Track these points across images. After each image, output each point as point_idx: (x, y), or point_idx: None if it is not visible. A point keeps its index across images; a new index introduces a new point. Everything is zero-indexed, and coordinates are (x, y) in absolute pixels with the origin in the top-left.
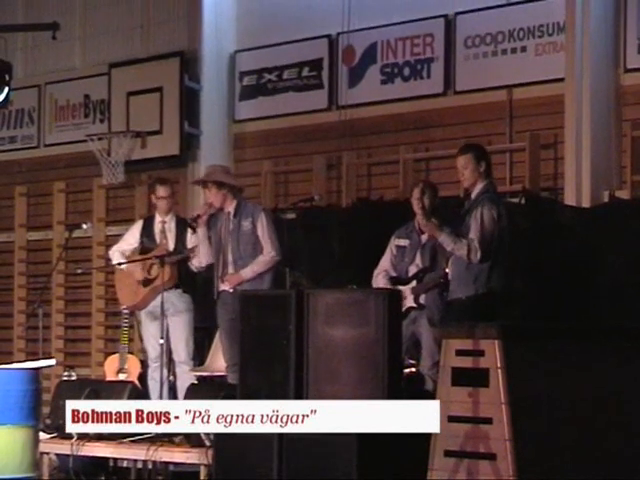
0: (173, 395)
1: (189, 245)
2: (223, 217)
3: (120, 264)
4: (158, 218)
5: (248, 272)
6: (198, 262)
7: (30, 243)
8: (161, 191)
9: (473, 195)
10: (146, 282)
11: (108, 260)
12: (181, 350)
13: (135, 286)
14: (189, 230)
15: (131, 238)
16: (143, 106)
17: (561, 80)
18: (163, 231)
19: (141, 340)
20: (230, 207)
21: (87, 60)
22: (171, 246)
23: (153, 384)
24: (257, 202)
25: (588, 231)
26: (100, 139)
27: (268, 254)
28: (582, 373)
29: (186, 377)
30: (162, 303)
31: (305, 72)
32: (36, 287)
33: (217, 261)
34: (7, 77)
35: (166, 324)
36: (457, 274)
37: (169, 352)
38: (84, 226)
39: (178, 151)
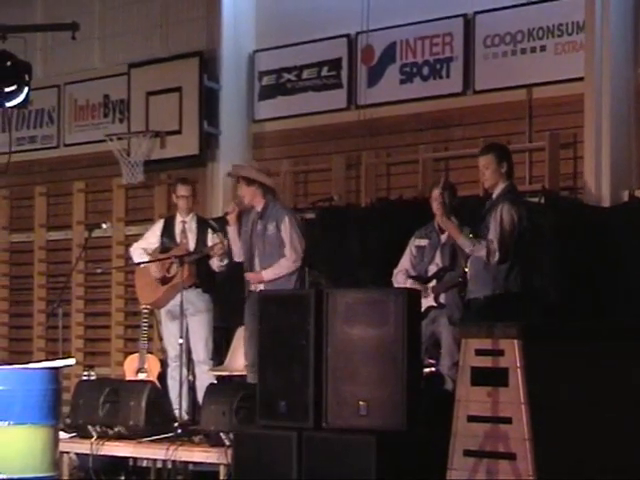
0: (193, 395)
1: (209, 245)
2: (253, 216)
3: (140, 264)
4: (179, 218)
5: (269, 273)
6: (238, 257)
7: (50, 243)
8: (182, 190)
9: (494, 195)
10: (164, 280)
11: (128, 259)
12: (200, 350)
13: (154, 284)
14: (210, 230)
15: (152, 237)
16: (162, 106)
17: (580, 79)
18: (184, 231)
19: (160, 339)
20: (259, 207)
21: (106, 60)
22: (192, 246)
23: (173, 383)
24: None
25: (607, 230)
26: (119, 139)
27: (289, 259)
28: (602, 372)
29: (205, 377)
30: (181, 303)
31: (324, 72)
32: (56, 287)
33: (246, 260)
34: (27, 77)
35: (186, 324)
36: (476, 274)
37: (188, 352)
38: (104, 226)
39: (197, 151)
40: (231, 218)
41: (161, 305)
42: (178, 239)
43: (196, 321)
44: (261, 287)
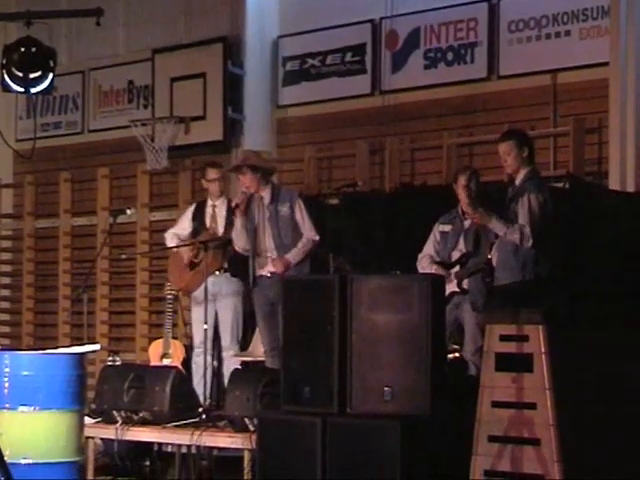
0: (218, 381)
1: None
2: (256, 203)
3: (167, 248)
4: (209, 202)
5: (295, 256)
6: (242, 249)
7: (74, 229)
8: (212, 173)
9: (517, 181)
10: (192, 266)
11: (152, 245)
12: (227, 335)
13: (184, 270)
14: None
15: (184, 222)
16: (187, 92)
17: (605, 64)
18: (213, 215)
19: (185, 325)
20: (264, 192)
21: (131, 46)
22: (220, 230)
23: (196, 369)
24: (300, 187)
25: (632, 216)
26: (144, 125)
27: (310, 235)
28: (627, 358)
29: (232, 361)
30: (205, 288)
31: (348, 57)
32: (81, 272)
33: (253, 247)
34: (51, 63)
35: (215, 308)
36: (504, 260)
37: (216, 336)
38: (128, 212)
39: (222, 137)
40: (241, 210)
41: (190, 290)
42: (208, 223)
43: (223, 306)
44: (270, 270)
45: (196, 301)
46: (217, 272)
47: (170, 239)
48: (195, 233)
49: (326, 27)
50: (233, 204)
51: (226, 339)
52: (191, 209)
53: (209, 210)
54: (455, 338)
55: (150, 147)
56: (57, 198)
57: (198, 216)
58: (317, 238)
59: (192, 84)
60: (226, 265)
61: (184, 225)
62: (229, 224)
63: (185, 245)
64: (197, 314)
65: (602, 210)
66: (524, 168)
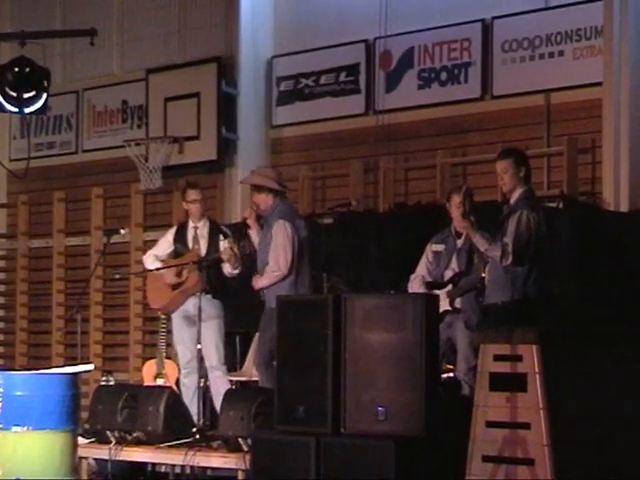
0: (210, 401)
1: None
2: None
3: (158, 269)
4: (191, 224)
5: (261, 281)
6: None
7: (68, 248)
8: (193, 194)
9: (512, 200)
10: (174, 286)
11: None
12: (212, 355)
13: (164, 289)
14: (221, 236)
15: (164, 244)
16: (181, 111)
17: (599, 84)
18: (196, 237)
19: (169, 345)
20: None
21: (125, 66)
22: (203, 251)
23: (185, 390)
24: (295, 207)
25: (626, 235)
26: (138, 144)
27: (270, 268)
28: (621, 377)
29: (219, 382)
30: (199, 308)
31: (342, 77)
32: (74, 292)
33: (262, 264)
34: (45, 83)
35: (197, 329)
36: (494, 278)
37: (200, 357)
38: (122, 231)
39: (215, 156)
40: (250, 222)
41: (170, 310)
42: (190, 245)
43: (207, 327)
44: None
45: (186, 321)
46: (197, 293)
47: (151, 261)
48: (176, 255)
49: (320, 47)
50: (241, 217)
51: (212, 359)
52: (172, 231)
53: (191, 232)
54: (448, 357)
55: (144, 167)
56: (51, 218)
57: (180, 238)
58: (274, 271)
59: (186, 104)
60: (208, 287)
61: (164, 247)
62: (212, 245)
63: (174, 266)
64: (184, 335)
65: (595, 229)
66: (520, 187)
